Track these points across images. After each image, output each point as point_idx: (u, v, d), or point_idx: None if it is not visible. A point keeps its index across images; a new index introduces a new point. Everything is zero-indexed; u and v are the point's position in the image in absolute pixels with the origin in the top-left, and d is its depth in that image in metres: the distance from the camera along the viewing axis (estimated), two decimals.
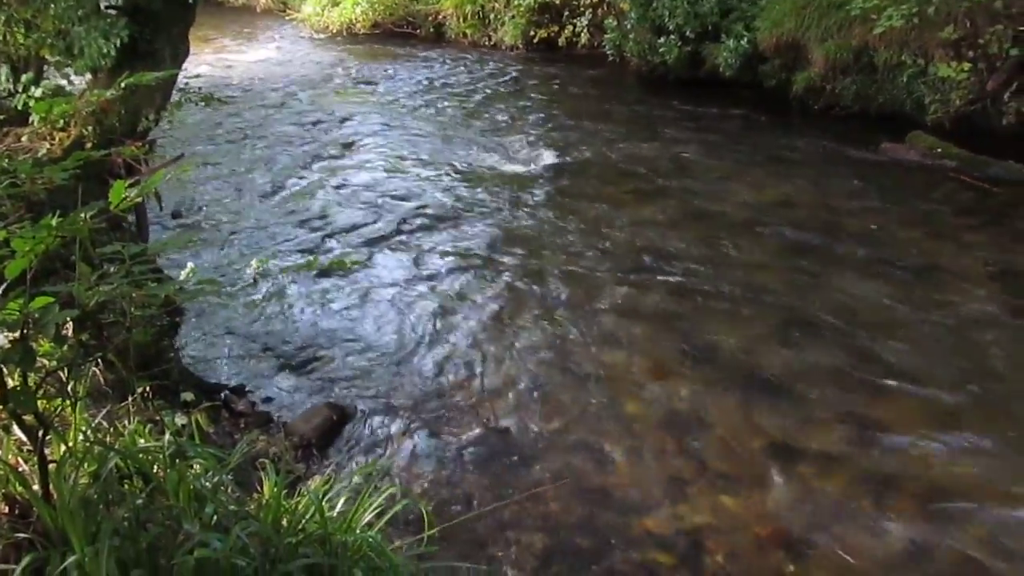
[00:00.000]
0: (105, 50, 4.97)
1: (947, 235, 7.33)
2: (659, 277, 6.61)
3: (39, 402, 2.31)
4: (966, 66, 9.40)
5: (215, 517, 2.40)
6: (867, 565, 3.74)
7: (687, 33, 12.36)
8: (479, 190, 8.80)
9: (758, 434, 4.68)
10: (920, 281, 6.42)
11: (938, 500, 4.13)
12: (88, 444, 2.56)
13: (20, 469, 2.44)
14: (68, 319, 2.32)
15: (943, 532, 3.91)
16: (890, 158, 9.48)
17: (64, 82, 5.58)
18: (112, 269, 2.67)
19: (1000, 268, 6.65)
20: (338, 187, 8.91)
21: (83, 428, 2.65)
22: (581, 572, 3.66)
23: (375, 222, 7.89)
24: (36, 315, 2.06)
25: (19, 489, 2.33)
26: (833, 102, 11.14)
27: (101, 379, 3.67)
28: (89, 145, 4.61)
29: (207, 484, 2.57)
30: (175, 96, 6.05)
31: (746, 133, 10.66)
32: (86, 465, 2.47)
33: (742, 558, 3.77)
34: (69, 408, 2.60)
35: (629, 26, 13.23)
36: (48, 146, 4.74)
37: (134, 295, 2.56)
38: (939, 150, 9.34)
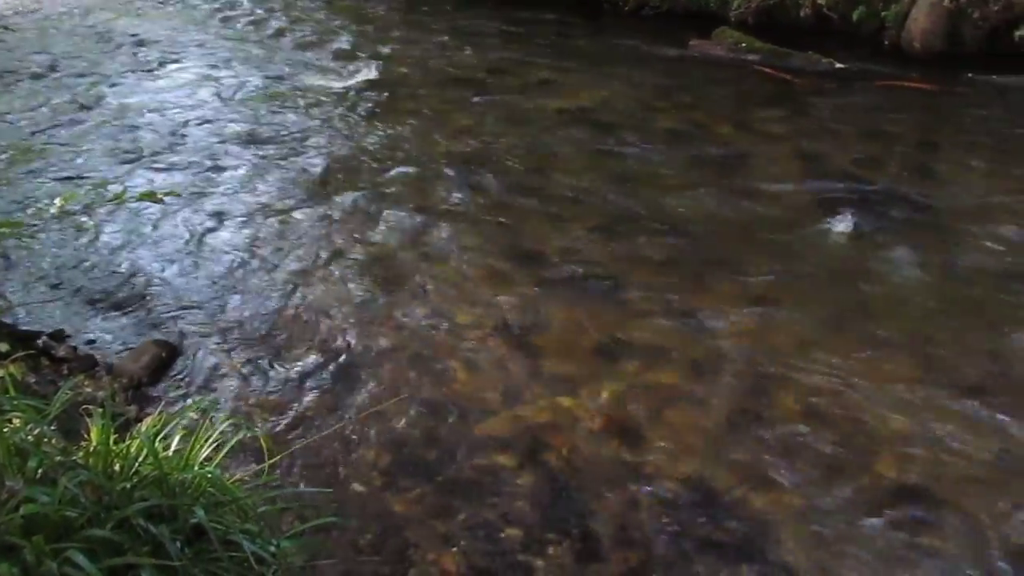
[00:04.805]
0: None
1: (754, 127, 7.68)
2: (483, 186, 6.66)
3: None
4: None
5: (40, 470, 2.30)
6: (696, 439, 3.99)
7: None
8: (295, 109, 8.55)
9: (589, 332, 4.85)
10: (731, 173, 6.74)
11: (758, 373, 4.43)
12: None
13: None
14: None
15: (763, 401, 4.22)
16: (699, 54, 9.79)
17: None
18: None
19: (805, 156, 7.04)
20: (143, 114, 8.43)
21: None
22: (428, 482, 3.73)
23: (186, 149, 7.54)
24: None
25: None
26: (643, 2, 11.34)
27: None
28: None
29: (28, 437, 2.46)
30: None
31: (560, 38, 10.73)
32: None
33: (582, 451, 3.92)
34: None
35: None
36: None
37: None
38: (744, 45, 9.72)
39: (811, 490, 3.66)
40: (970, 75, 8.88)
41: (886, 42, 9.73)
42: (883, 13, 9.72)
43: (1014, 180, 6.61)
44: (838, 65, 9.29)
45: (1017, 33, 8.93)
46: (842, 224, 5.88)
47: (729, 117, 7.91)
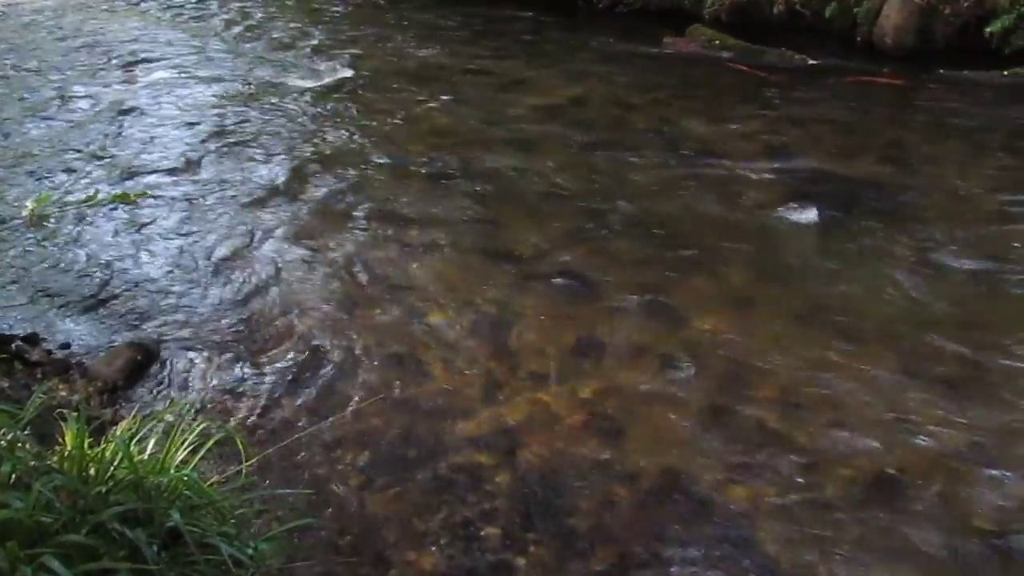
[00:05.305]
0: None
1: (728, 123, 7.72)
2: (460, 185, 6.66)
3: None
4: None
5: (14, 475, 2.28)
6: (674, 434, 4.00)
7: None
8: (269, 108, 8.52)
9: (567, 330, 4.85)
10: (706, 168, 6.77)
11: (733, 368, 4.44)
12: None
13: None
14: None
15: (739, 395, 4.23)
16: (673, 52, 9.84)
17: None
18: None
19: (778, 151, 7.08)
20: (118, 114, 8.39)
21: None
22: (406, 481, 3.72)
23: (161, 150, 7.50)
24: None
25: None
26: (616, 0, 11.37)
27: None
28: None
29: (2, 442, 2.44)
30: None
31: (535, 35, 10.76)
32: None
33: (559, 449, 3.92)
34: None
35: None
36: None
37: None
38: (717, 42, 9.78)
39: (789, 483, 3.68)
40: (941, 71, 8.97)
41: (858, 38, 9.81)
42: (855, 10, 9.80)
43: (984, 174, 6.69)
44: (811, 61, 9.37)
45: (987, 29, 9.01)
46: (815, 218, 5.92)
47: (703, 113, 7.95)
